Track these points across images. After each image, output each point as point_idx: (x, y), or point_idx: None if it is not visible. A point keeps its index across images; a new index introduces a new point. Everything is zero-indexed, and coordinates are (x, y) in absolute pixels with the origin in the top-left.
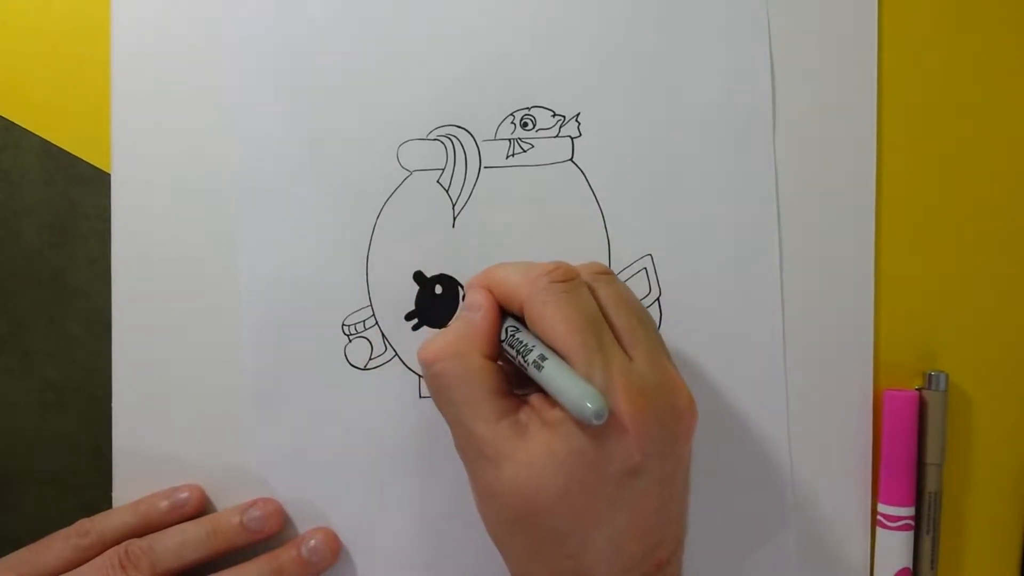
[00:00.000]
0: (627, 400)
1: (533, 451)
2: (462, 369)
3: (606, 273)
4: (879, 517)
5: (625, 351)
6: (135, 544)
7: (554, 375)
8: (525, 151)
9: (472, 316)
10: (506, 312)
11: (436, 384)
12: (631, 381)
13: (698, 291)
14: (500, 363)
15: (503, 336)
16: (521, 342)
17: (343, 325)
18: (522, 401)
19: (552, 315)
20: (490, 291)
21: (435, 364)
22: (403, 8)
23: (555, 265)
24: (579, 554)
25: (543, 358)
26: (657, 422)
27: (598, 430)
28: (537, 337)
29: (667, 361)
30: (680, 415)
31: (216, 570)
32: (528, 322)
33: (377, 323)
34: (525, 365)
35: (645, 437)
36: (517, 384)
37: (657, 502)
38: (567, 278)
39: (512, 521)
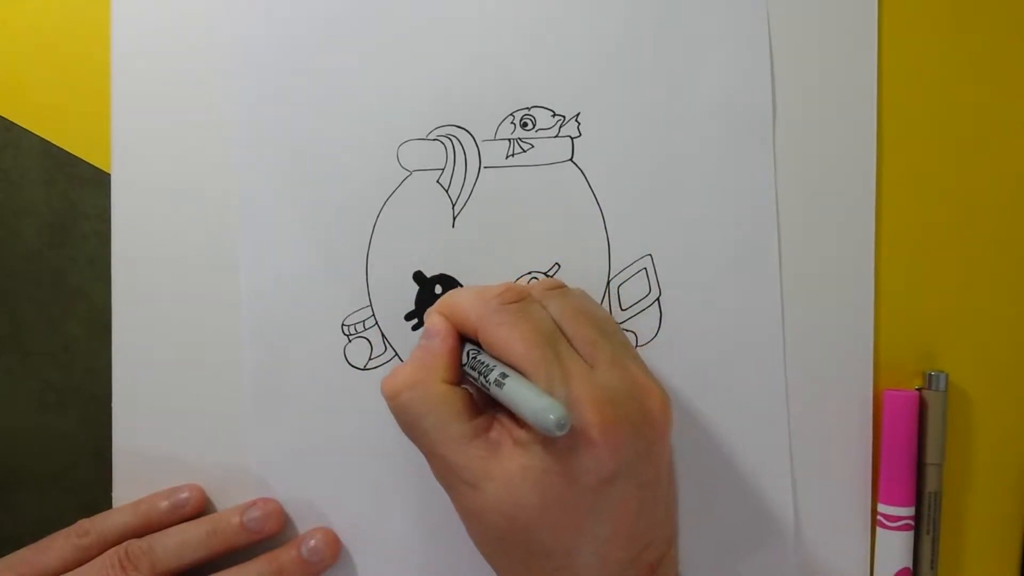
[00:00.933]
0: (592, 410)
1: (509, 469)
2: (424, 397)
3: (558, 287)
4: (879, 517)
5: (586, 361)
6: (135, 544)
7: (513, 392)
8: (525, 151)
9: (430, 344)
10: (466, 337)
11: (403, 417)
12: (595, 390)
13: (698, 291)
14: (465, 386)
15: (464, 359)
16: (482, 363)
17: (343, 325)
18: (492, 418)
19: (507, 335)
20: (447, 317)
21: (398, 397)
22: (403, 8)
23: (505, 287)
24: (566, 566)
25: (503, 376)
26: (628, 428)
27: (568, 444)
28: (493, 358)
29: (633, 365)
30: (652, 418)
31: (216, 570)
32: (484, 346)
33: (377, 323)
34: (487, 386)
35: (617, 445)
36: (485, 405)
37: (638, 506)
38: (518, 298)
39: (498, 539)
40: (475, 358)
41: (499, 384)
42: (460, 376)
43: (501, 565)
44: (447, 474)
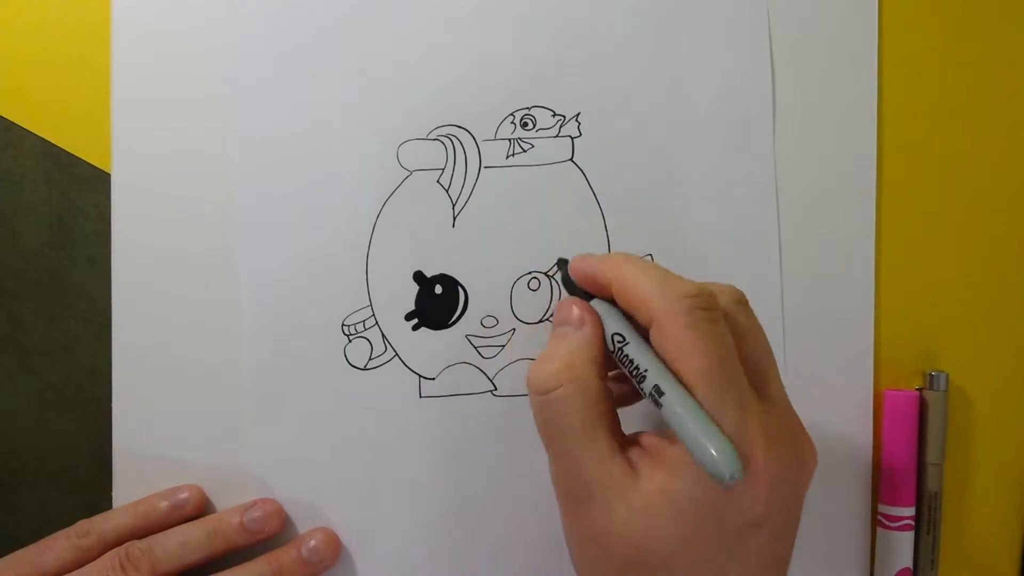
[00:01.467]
0: (758, 447)
1: (649, 494)
2: (581, 395)
3: (745, 303)
4: (879, 517)
5: (756, 392)
6: (135, 545)
7: (682, 417)
8: (525, 151)
9: (575, 333)
10: (607, 322)
11: (552, 411)
12: (766, 428)
13: None
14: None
15: (610, 346)
16: (631, 360)
17: (343, 325)
18: (631, 440)
19: (692, 343)
20: (615, 288)
21: (553, 391)
22: (403, 8)
23: (699, 288)
24: None
25: (660, 390)
26: (783, 473)
27: None
28: (652, 354)
29: (791, 408)
30: (804, 465)
31: (216, 570)
32: (658, 339)
33: (377, 323)
34: (640, 390)
35: (771, 488)
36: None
37: (771, 559)
38: (711, 306)
39: (619, 569)
40: (622, 350)
41: (655, 399)
42: (607, 369)
43: None
44: (576, 485)
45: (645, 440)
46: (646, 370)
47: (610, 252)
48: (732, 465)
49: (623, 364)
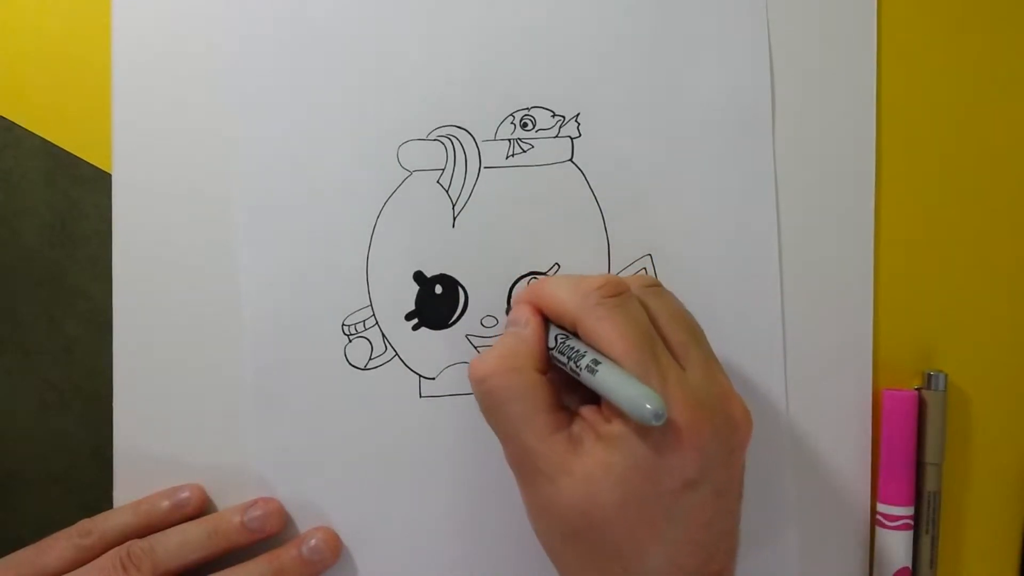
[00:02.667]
0: (684, 412)
1: (589, 465)
2: (517, 383)
3: (655, 285)
4: (878, 517)
5: (678, 363)
6: (137, 545)
7: (610, 378)
8: (525, 151)
9: (521, 331)
10: (552, 325)
11: (490, 400)
12: (687, 393)
13: (698, 291)
14: (548, 375)
15: (552, 344)
16: (572, 348)
17: (343, 325)
18: (574, 414)
19: (607, 330)
20: (536, 307)
21: (490, 379)
22: (403, 8)
23: (604, 279)
24: (634, 568)
25: (596, 362)
26: (713, 433)
27: (655, 443)
28: (588, 346)
29: (720, 373)
30: (736, 426)
31: (217, 570)
32: (582, 336)
33: (377, 323)
34: (578, 370)
35: (702, 449)
36: (565, 393)
37: (711, 515)
38: (618, 292)
39: (568, 535)
40: (564, 343)
41: (591, 370)
42: (548, 364)
43: (565, 561)
44: (524, 463)
45: (587, 414)
46: (584, 353)
47: (609, 253)
48: (655, 403)
49: (565, 356)
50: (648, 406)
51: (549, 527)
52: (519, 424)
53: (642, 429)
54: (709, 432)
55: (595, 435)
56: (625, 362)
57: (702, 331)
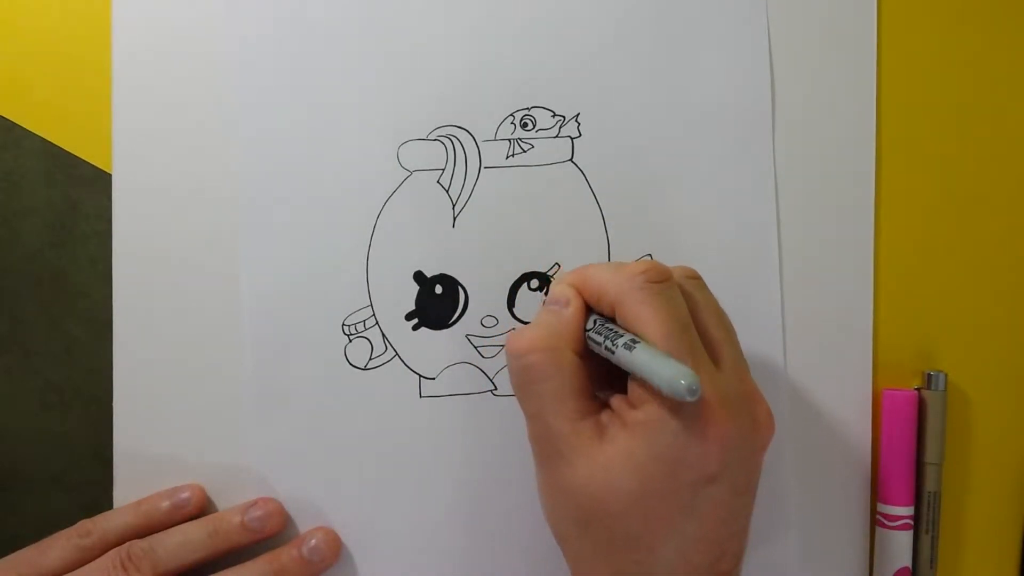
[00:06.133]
0: (711, 406)
1: (611, 453)
2: (553, 363)
3: (697, 278)
4: (878, 516)
5: (711, 358)
6: (137, 545)
7: (645, 355)
8: (525, 151)
9: (562, 311)
10: (591, 309)
11: (524, 376)
12: (716, 389)
13: None
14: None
15: (590, 325)
16: (611, 329)
17: (343, 325)
18: (603, 404)
19: (648, 315)
20: (577, 288)
21: (527, 355)
22: (403, 8)
23: (648, 264)
24: (646, 560)
25: (634, 341)
26: (737, 432)
27: (679, 434)
28: (626, 330)
29: (748, 374)
30: (759, 427)
31: (217, 570)
32: (620, 320)
33: (377, 323)
34: (613, 350)
35: (725, 446)
36: (598, 387)
37: (727, 513)
38: (661, 278)
39: (582, 521)
40: (603, 324)
41: (629, 347)
42: (585, 348)
43: (576, 548)
44: (546, 443)
45: (616, 403)
46: (623, 333)
47: (609, 253)
48: (689, 379)
49: (602, 335)
50: (683, 381)
51: (562, 512)
52: (549, 404)
53: (667, 419)
54: (733, 429)
55: (620, 423)
56: (662, 346)
57: (734, 331)
